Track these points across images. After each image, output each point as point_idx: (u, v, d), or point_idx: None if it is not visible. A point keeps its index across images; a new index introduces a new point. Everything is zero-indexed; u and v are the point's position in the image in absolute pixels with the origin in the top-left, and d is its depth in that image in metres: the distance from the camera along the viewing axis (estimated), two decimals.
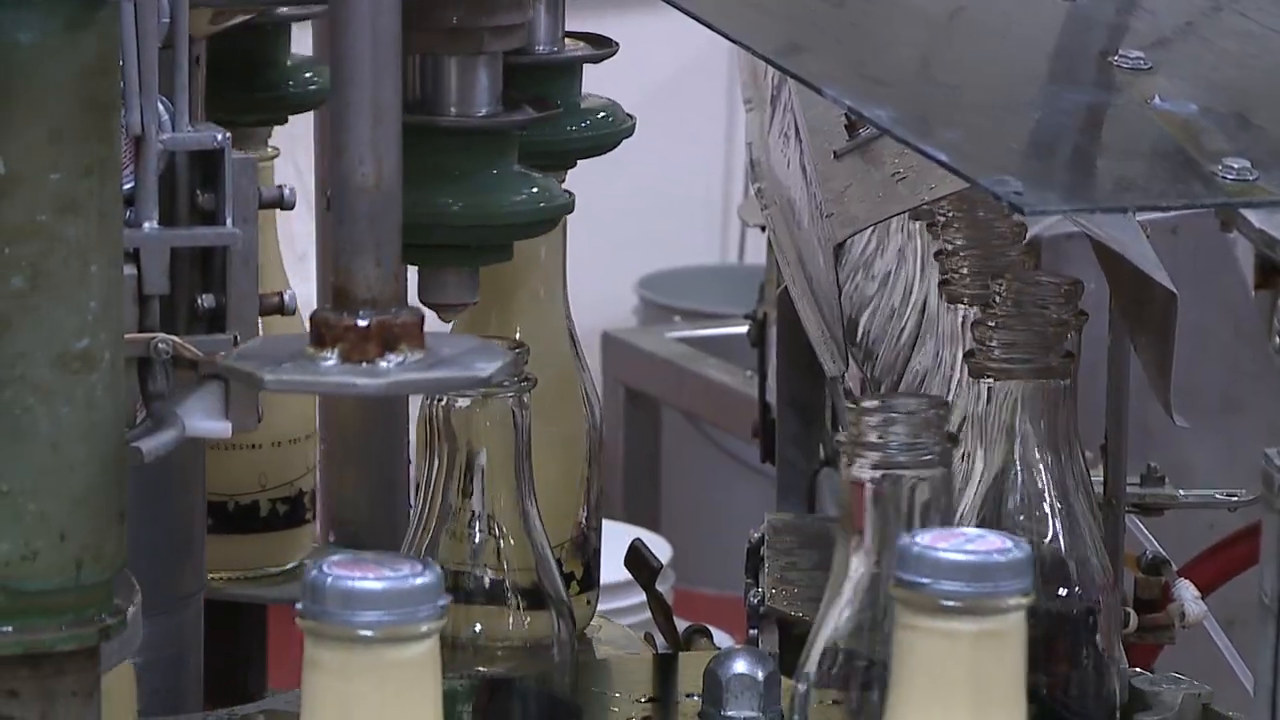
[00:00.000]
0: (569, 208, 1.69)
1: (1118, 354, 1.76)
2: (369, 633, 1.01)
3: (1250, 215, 1.27)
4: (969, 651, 1.04)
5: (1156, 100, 1.38)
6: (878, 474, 1.29)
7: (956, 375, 1.70)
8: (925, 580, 1.03)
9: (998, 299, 1.62)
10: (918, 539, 1.05)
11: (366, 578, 1.02)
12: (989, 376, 1.55)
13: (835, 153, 1.87)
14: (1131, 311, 1.71)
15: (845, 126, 1.86)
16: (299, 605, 1.04)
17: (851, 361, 1.96)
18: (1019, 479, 1.55)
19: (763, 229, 2.35)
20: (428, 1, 1.45)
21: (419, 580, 1.04)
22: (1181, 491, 2.00)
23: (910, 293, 1.96)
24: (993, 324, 1.57)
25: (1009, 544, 1.06)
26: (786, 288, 2.04)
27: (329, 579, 1.01)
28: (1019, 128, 1.38)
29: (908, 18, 1.58)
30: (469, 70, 1.59)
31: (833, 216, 1.85)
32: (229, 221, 1.31)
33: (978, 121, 1.38)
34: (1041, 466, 1.55)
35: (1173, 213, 1.70)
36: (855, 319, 2.07)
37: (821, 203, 1.88)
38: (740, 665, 1.45)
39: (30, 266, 1.09)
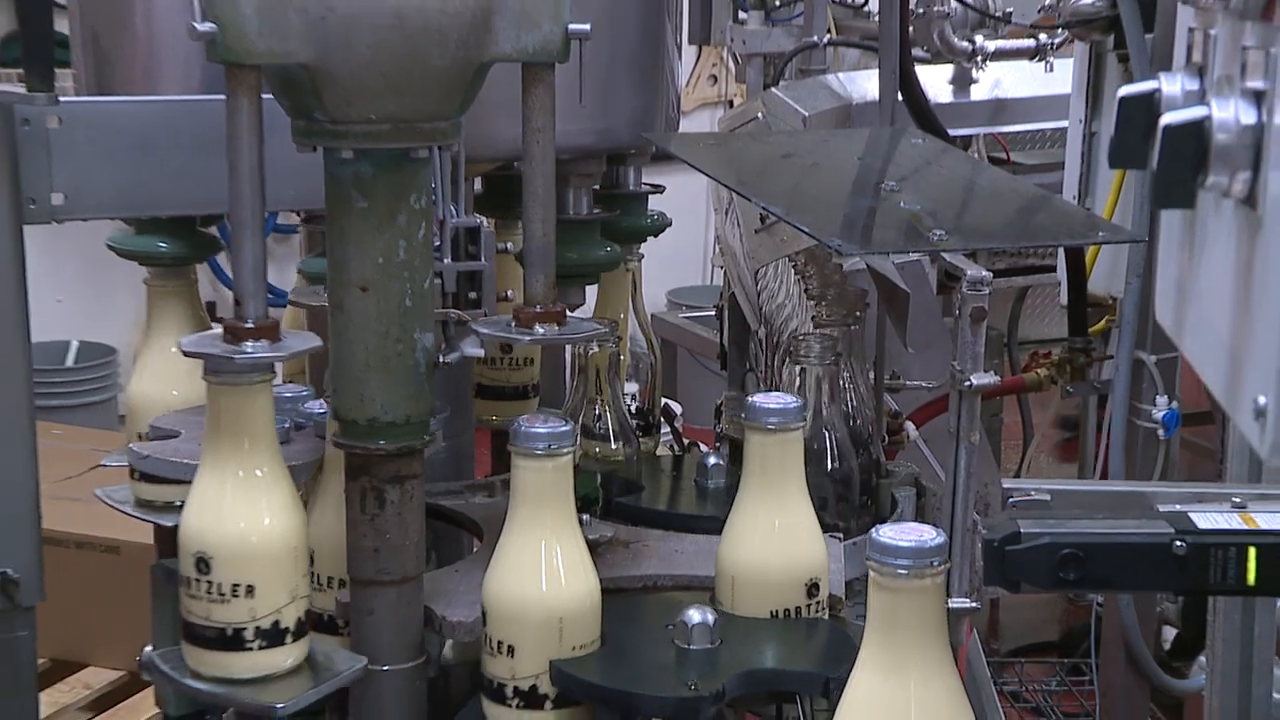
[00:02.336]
0: (617, 260, 2.55)
1: (881, 319, 2.51)
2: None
3: (945, 256, 1.99)
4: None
5: (902, 204, 2.09)
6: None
7: (808, 328, 2.46)
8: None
9: (827, 297, 2.45)
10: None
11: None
12: (824, 328, 2.31)
13: (755, 230, 2.81)
14: (885, 299, 2.50)
15: (760, 217, 2.76)
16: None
17: (760, 324, 2.87)
18: (839, 380, 2.30)
19: (721, 266, 3.31)
20: (562, 165, 2.11)
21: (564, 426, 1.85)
22: (907, 381, 2.76)
23: (788, 295, 2.74)
24: (825, 306, 2.38)
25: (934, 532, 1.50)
26: (733, 293, 2.99)
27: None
28: (838, 215, 2.22)
29: (788, 165, 2.43)
30: (580, 191, 2.44)
31: (754, 258, 2.84)
32: (482, 258, 2.05)
33: (820, 211, 2.18)
34: (848, 374, 2.31)
35: (911, 256, 2.60)
36: (762, 306, 2.88)
37: (748, 252, 2.86)
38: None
39: (408, 283, 1.83)
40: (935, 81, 4.13)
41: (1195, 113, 1.08)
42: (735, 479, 2.12)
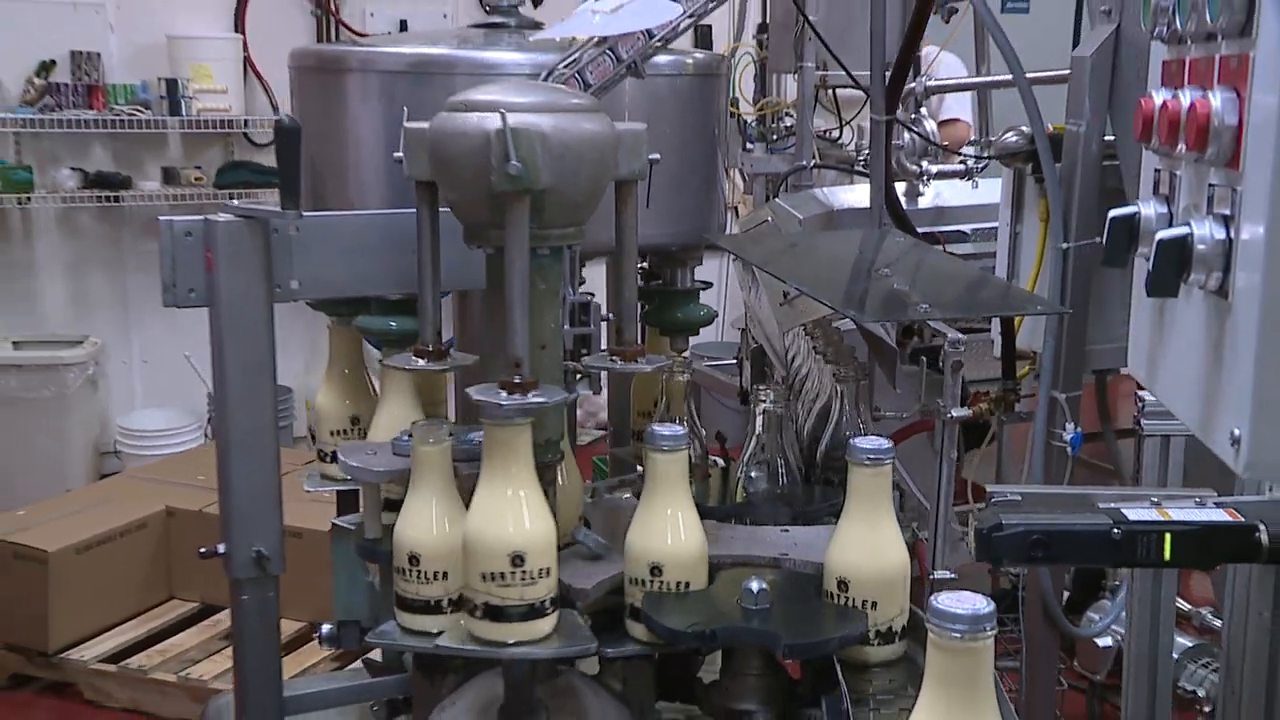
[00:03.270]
0: (711, 318, 2.65)
1: (872, 366, 2.57)
2: None
3: (930, 322, 2.23)
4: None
5: (895, 285, 2.23)
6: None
7: (816, 377, 2.55)
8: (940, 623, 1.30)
9: (839, 357, 2.49)
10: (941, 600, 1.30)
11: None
12: (841, 381, 2.39)
13: (780, 303, 2.84)
14: (877, 353, 2.56)
15: (784, 293, 2.79)
16: None
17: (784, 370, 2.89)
18: (843, 413, 2.39)
19: (741, 328, 3.38)
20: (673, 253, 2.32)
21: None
22: (889, 413, 2.69)
23: (798, 350, 2.79)
24: (841, 365, 2.42)
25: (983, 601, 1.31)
26: (755, 347, 3.05)
27: None
28: (842, 292, 2.30)
29: (796, 254, 2.49)
30: (685, 270, 2.51)
31: (781, 324, 2.89)
32: (591, 324, 2.13)
33: (829, 289, 2.26)
34: (851, 413, 2.38)
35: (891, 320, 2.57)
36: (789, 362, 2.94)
37: (777, 319, 2.93)
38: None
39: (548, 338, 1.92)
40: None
41: (1180, 230, 1.12)
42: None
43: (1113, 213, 1.24)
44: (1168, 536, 1.62)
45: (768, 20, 5.46)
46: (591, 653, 1.95)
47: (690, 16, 2.05)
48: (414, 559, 1.91)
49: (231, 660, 4.19)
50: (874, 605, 1.95)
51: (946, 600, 1.28)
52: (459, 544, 1.86)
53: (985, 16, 3.02)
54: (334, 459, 2.28)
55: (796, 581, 2.05)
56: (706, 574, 2.00)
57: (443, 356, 1.95)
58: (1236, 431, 1.14)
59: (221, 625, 4.98)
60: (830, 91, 5.00)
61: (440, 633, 1.93)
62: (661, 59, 2.15)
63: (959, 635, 1.25)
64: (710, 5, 2.08)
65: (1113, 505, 1.68)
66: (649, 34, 2.02)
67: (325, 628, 2.35)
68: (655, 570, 1.95)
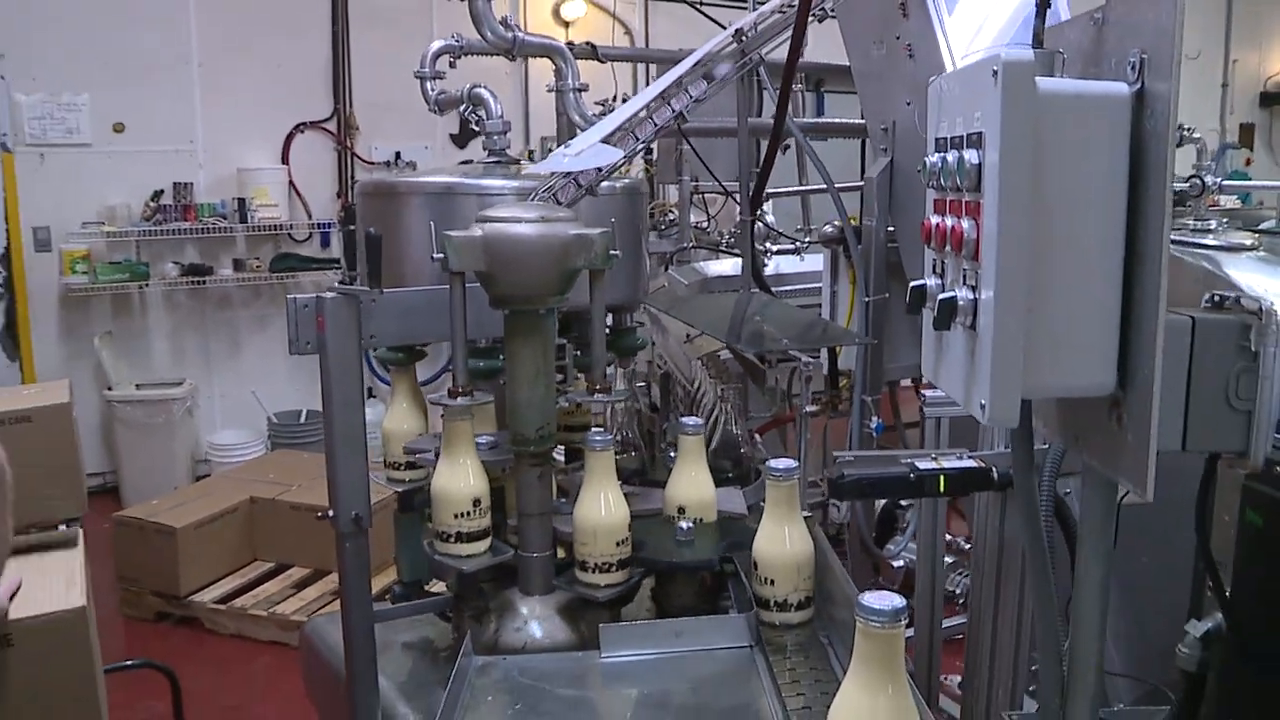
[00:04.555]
0: (641, 347, 2.39)
1: (746, 382, 2.68)
2: None
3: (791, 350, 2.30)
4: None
5: (763, 326, 2.27)
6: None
7: (710, 392, 2.66)
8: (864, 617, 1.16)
9: (722, 375, 2.73)
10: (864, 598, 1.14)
11: None
12: (725, 389, 2.59)
13: (684, 341, 2.91)
14: (749, 371, 2.59)
15: (686, 334, 2.84)
16: None
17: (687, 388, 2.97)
18: (726, 415, 2.52)
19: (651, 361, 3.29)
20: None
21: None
22: (758, 415, 2.84)
23: (700, 377, 2.85)
24: (726, 383, 2.59)
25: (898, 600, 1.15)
26: (664, 373, 3.05)
27: None
28: (729, 328, 2.37)
29: (698, 305, 2.62)
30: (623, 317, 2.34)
31: (685, 356, 3.02)
32: (566, 359, 2.01)
33: (719, 329, 2.31)
34: (732, 414, 2.52)
35: (761, 349, 2.74)
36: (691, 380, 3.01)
37: (685, 353, 3.03)
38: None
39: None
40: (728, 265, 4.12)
41: (950, 294, 1.18)
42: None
43: (912, 283, 1.29)
44: (942, 477, 1.75)
45: (653, 147, 5.53)
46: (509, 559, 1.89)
47: (626, 158, 2.04)
48: (448, 505, 1.88)
49: (304, 600, 4.18)
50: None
51: (871, 598, 1.15)
52: (479, 493, 1.85)
53: (806, 147, 3.11)
54: (399, 467, 2.18)
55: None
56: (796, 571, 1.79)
57: (469, 395, 1.87)
58: (983, 401, 1.17)
59: (293, 577, 4.98)
60: (701, 195, 5.09)
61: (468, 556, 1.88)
62: (605, 184, 2.12)
63: (880, 625, 1.14)
64: (637, 149, 2.07)
65: (908, 460, 1.78)
66: (599, 169, 2.02)
67: (396, 587, 2.28)
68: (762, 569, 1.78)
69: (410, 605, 2.19)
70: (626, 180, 2.26)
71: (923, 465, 1.76)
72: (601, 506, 1.79)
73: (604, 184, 2.07)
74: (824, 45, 3.03)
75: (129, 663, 4.08)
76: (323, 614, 2.67)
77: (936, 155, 1.25)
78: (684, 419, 1.93)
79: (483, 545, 1.87)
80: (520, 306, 1.79)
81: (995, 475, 1.74)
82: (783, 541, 1.72)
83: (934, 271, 1.26)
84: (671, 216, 5.16)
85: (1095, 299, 1.17)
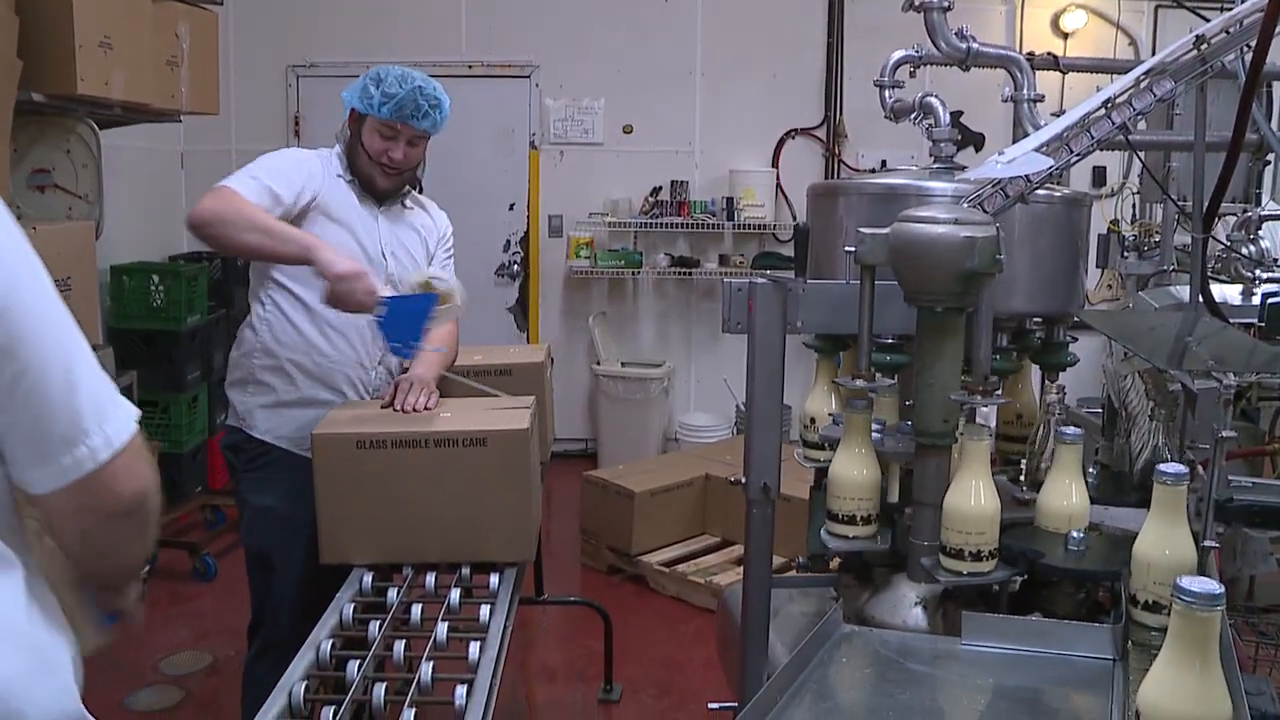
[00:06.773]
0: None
1: (1185, 407, 2.24)
2: None
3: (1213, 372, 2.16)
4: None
5: (1194, 349, 2.15)
6: None
7: (1143, 413, 2.34)
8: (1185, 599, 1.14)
9: (1156, 397, 2.34)
10: None
11: None
12: (1151, 405, 2.28)
13: (1121, 359, 2.74)
14: (1186, 397, 2.56)
15: (1124, 352, 2.61)
16: None
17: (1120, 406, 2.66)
18: (1156, 437, 2.21)
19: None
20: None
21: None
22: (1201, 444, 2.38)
23: (1138, 400, 2.56)
24: (1161, 405, 2.26)
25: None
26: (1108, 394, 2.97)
27: None
28: (1166, 352, 2.19)
29: (1140, 327, 2.34)
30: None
31: (1119, 374, 2.75)
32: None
33: (1158, 351, 2.14)
34: (1166, 438, 2.19)
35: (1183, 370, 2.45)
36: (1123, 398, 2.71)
37: (1119, 370, 2.84)
38: None
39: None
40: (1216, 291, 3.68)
41: None
42: None
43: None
44: None
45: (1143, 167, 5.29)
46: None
47: (1056, 169, 1.94)
48: (841, 488, 1.95)
49: (739, 576, 4.28)
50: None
51: (1188, 581, 1.16)
52: (870, 481, 1.90)
53: None
54: (817, 447, 2.20)
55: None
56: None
57: (870, 378, 1.90)
58: None
59: (734, 554, 5.21)
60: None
61: (855, 538, 1.93)
62: (1041, 191, 2.01)
63: (1196, 606, 1.14)
64: (1071, 161, 1.98)
65: None
66: (1027, 179, 1.94)
67: (800, 559, 2.33)
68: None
69: (805, 576, 2.31)
70: (1067, 191, 2.22)
71: None
72: (981, 494, 1.78)
73: (1041, 192, 2.03)
74: None
75: (572, 599, 4.66)
76: None
77: None
78: (1063, 429, 1.88)
79: (869, 529, 1.94)
80: (924, 303, 1.82)
81: None
82: (1164, 546, 1.64)
83: None
84: (1155, 238, 4.94)
85: None
